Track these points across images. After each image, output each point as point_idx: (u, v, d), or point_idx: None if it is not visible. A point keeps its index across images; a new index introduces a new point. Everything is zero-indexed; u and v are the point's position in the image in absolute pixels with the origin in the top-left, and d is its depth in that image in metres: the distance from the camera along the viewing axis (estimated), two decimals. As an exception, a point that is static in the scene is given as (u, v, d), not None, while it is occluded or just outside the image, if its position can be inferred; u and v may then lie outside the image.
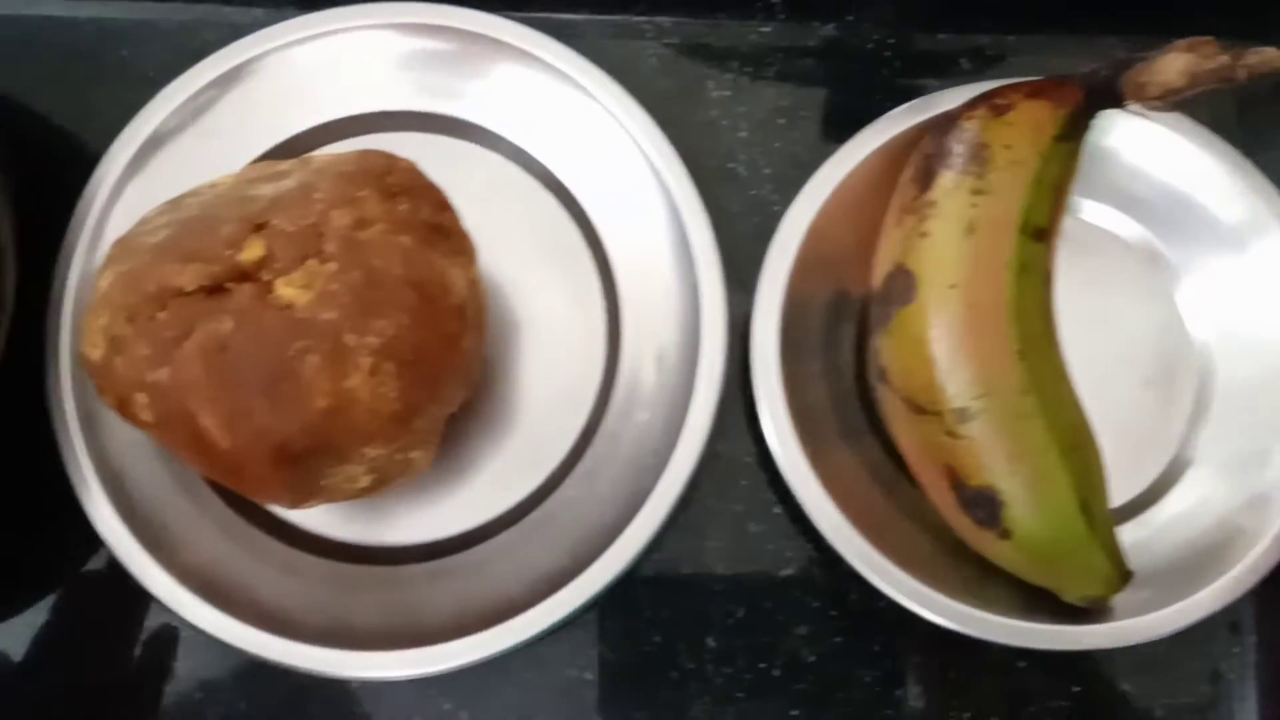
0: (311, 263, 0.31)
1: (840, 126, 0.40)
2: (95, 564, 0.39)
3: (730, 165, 0.41)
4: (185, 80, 0.40)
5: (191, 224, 0.33)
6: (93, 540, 0.37)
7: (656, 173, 0.39)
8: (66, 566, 0.39)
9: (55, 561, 0.39)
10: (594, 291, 0.40)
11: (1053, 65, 0.40)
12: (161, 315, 0.31)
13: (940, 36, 0.43)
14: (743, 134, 0.42)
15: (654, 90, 0.40)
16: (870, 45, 0.42)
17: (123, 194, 0.40)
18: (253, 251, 0.31)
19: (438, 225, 0.34)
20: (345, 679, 0.37)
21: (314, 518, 0.39)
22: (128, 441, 0.38)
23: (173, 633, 0.39)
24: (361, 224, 0.32)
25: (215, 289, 0.31)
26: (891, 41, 0.42)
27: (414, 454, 0.35)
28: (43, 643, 0.39)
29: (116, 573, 0.38)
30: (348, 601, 0.38)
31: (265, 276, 0.31)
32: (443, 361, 0.33)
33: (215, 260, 0.31)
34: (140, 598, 0.37)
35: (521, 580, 0.37)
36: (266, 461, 0.31)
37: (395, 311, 0.32)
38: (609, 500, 0.38)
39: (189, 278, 0.31)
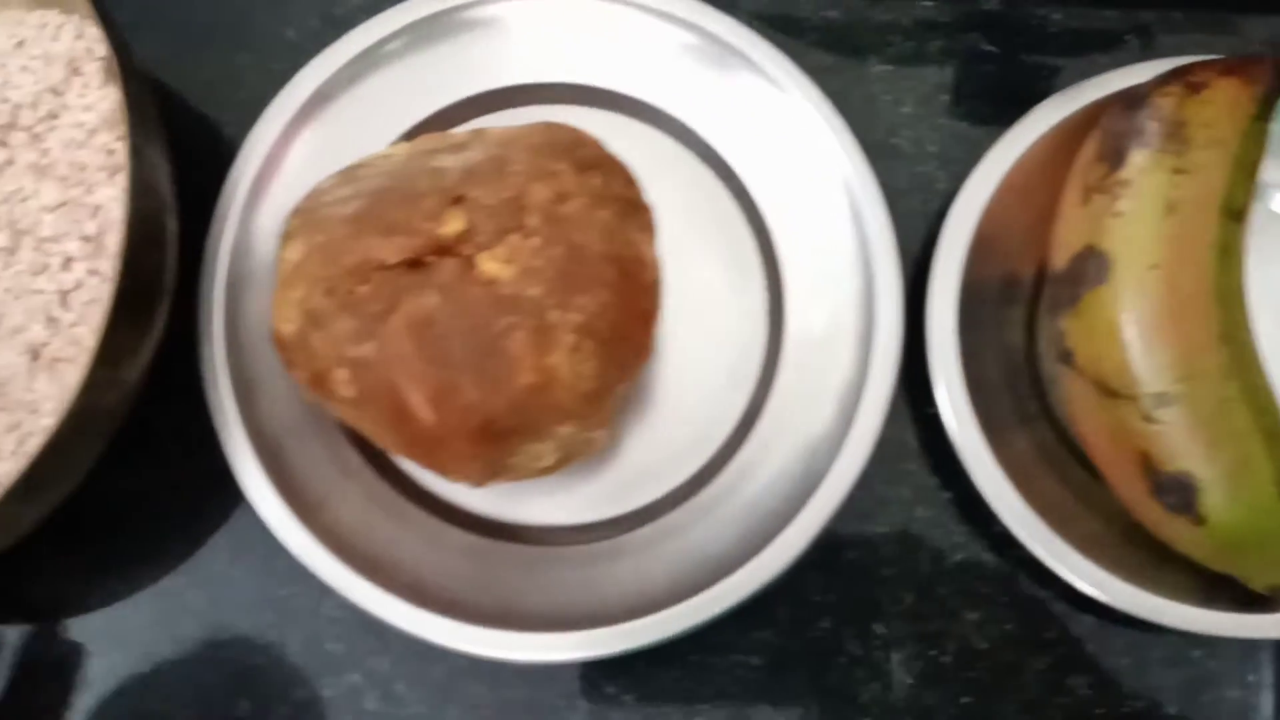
0: (514, 237, 0.31)
1: (1006, 103, 0.39)
2: (248, 540, 0.38)
3: (894, 141, 0.41)
4: (339, 47, 0.39)
5: (385, 196, 0.32)
6: (248, 514, 0.36)
7: (825, 146, 0.38)
8: (220, 541, 0.38)
9: (209, 536, 0.38)
10: (754, 268, 0.40)
11: (1222, 44, 0.39)
12: (363, 289, 0.30)
13: (1106, 13, 0.42)
14: (906, 110, 0.41)
15: (813, 65, 0.39)
16: (1034, 21, 0.41)
17: (279, 163, 0.39)
18: (454, 225, 0.31)
19: (629, 200, 0.33)
20: (509, 661, 0.36)
21: (483, 499, 0.38)
22: (281, 412, 0.37)
23: (328, 613, 0.38)
24: (561, 198, 0.31)
25: (416, 263, 0.31)
26: (1057, 17, 0.42)
27: (597, 433, 0.34)
28: (194, 618, 0.38)
29: (270, 550, 0.37)
30: (512, 582, 0.37)
31: (466, 251, 0.31)
32: (637, 339, 0.33)
33: (416, 233, 0.31)
34: (295, 576, 0.37)
35: (689, 564, 0.36)
36: (470, 438, 0.31)
37: (597, 288, 0.31)
38: (777, 483, 0.37)
39: (391, 251, 0.30)
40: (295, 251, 0.32)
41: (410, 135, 0.39)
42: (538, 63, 0.41)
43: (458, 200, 0.31)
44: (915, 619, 0.38)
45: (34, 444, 0.36)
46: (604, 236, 0.31)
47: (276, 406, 0.37)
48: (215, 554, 0.38)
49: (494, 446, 0.31)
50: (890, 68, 0.41)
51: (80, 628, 0.38)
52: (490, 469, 0.32)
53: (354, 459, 0.38)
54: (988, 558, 0.38)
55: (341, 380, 0.31)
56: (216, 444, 0.36)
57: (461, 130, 0.36)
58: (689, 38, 0.39)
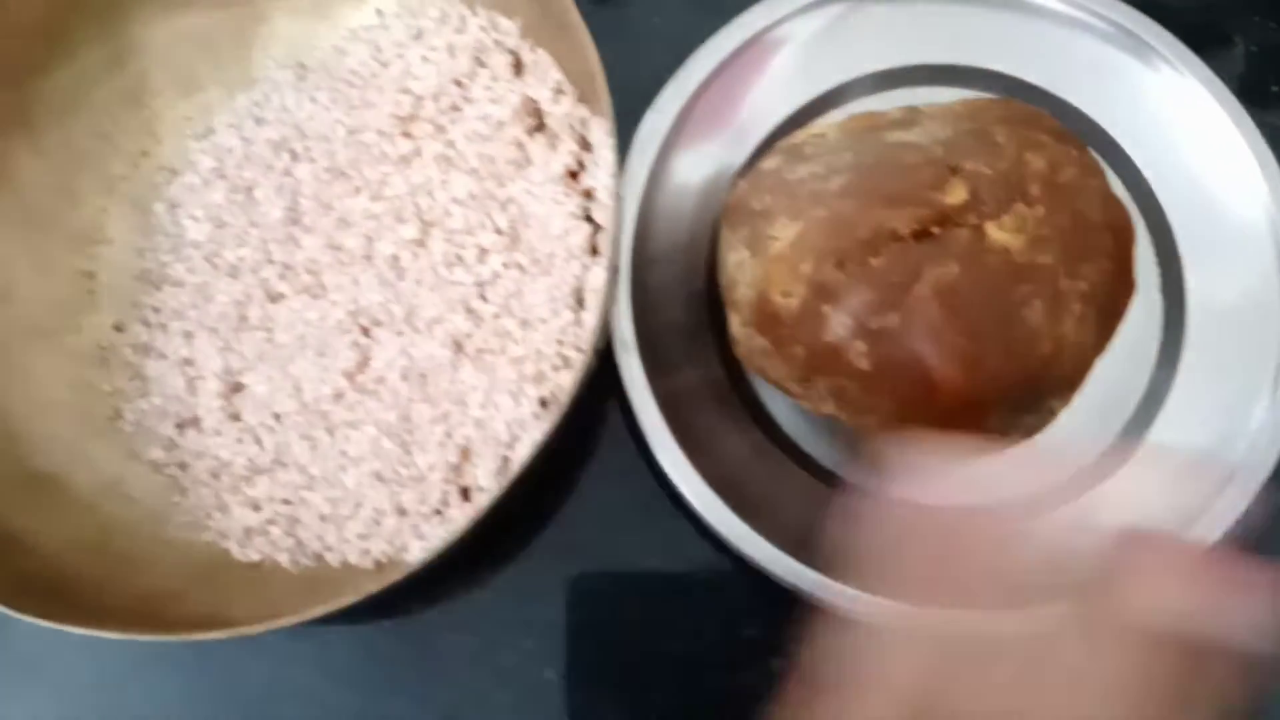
0: (1019, 206, 0.31)
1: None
2: (654, 524, 0.38)
3: (1270, 120, 0.41)
4: (720, 39, 0.39)
5: (872, 170, 0.32)
6: (651, 502, 0.37)
7: (1220, 125, 0.38)
8: (629, 525, 0.38)
9: (616, 521, 0.38)
10: (1142, 243, 0.39)
11: None
12: (875, 261, 0.30)
13: None
14: (1275, 90, 0.41)
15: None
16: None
17: (672, 149, 0.39)
18: (957, 194, 0.31)
19: (1100, 169, 0.33)
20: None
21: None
22: (682, 378, 0.37)
23: (740, 597, 0.37)
24: (1055, 167, 0.32)
25: (921, 233, 0.31)
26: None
27: (1061, 409, 0.34)
28: (605, 605, 0.38)
29: (676, 534, 0.37)
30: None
31: (971, 220, 0.31)
32: (1123, 308, 0.33)
33: (924, 203, 0.31)
34: (708, 561, 0.37)
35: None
36: (988, 410, 0.31)
37: (1099, 256, 0.31)
38: (1194, 462, 0.37)
39: (903, 221, 0.30)
40: (786, 228, 0.32)
41: (800, 118, 0.40)
42: (909, 46, 0.41)
43: (954, 171, 0.31)
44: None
45: (462, 435, 0.36)
46: (1101, 205, 0.32)
47: (679, 373, 0.37)
48: (622, 540, 0.38)
49: (1002, 418, 0.31)
50: (1255, 49, 0.42)
51: (488, 615, 0.38)
52: (983, 443, 0.32)
53: (748, 424, 0.38)
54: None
55: (858, 352, 0.30)
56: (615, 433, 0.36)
57: (892, 110, 0.36)
58: (1063, 9, 0.40)
